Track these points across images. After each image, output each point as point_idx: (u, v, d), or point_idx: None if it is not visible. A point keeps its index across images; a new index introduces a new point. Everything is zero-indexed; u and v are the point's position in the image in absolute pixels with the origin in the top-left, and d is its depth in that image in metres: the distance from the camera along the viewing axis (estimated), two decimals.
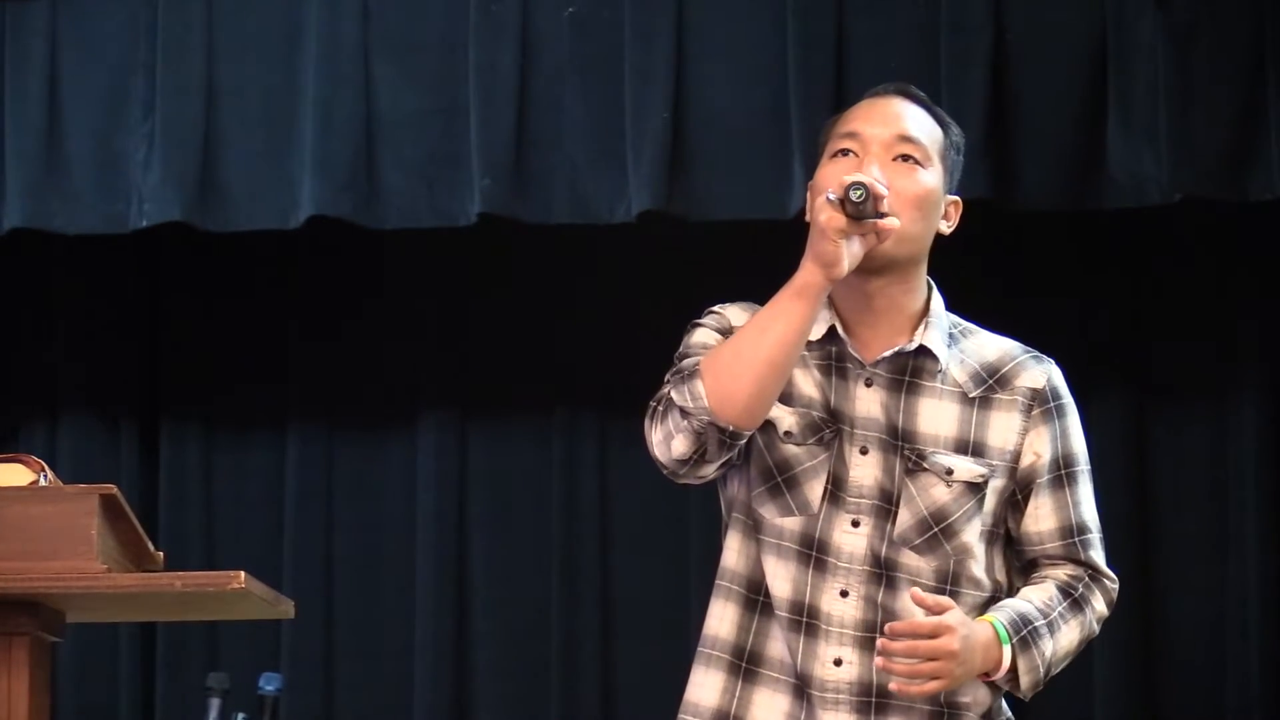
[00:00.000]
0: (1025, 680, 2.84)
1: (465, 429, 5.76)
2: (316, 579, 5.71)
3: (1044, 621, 2.85)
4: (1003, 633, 2.80)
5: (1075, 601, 2.90)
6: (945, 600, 2.77)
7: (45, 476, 3.29)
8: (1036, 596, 2.89)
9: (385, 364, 5.83)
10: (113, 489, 3.17)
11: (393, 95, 5.30)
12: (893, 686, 2.77)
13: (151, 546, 3.33)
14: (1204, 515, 5.47)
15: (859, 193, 2.72)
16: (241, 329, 5.85)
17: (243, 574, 3.10)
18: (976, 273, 5.55)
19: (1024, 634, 2.82)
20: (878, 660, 2.76)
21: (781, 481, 2.87)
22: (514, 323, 5.73)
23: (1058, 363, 2.99)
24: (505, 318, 5.73)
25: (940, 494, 2.85)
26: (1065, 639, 2.89)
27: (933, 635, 2.72)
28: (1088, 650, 5.72)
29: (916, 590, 2.77)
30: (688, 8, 5.23)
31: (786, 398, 2.86)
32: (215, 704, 4.77)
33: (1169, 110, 4.99)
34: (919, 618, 2.75)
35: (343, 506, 5.80)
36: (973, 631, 2.77)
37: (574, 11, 5.25)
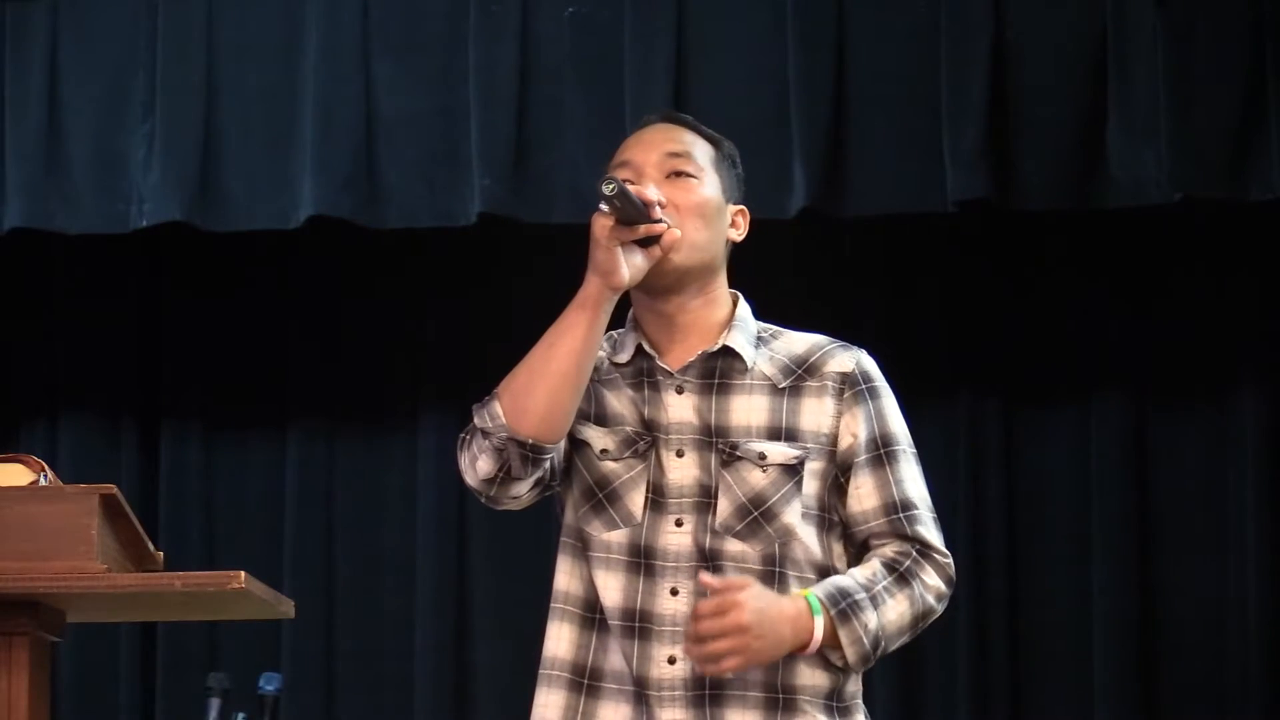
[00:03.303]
0: (850, 652, 2.84)
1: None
2: (316, 579, 5.71)
3: (865, 595, 2.85)
4: (814, 604, 2.82)
5: (901, 575, 2.89)
6: (737, 580, 2.80)
7: (45, 476, 3.28)
8: (859, 572, 2.89)
9: (385, 364, 5.82)
10: (113, 489, 3.17)
11: (393, 95, 5.30)
12: (699, 669, 2.80)
13: (151, 546, 3.32)
14: (1204, 515, 5.47)
15: (610, 186, 2.81)
16: (241, 329, 5.85)
17: (243, 574, 3.10)
18: (977, 273, 5.55)
19: (842, 606, 2.83)
20: (682, 648, 2.80)
21: (603, 497, 2.93)
22: (514, 323, 5.72)
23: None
24: (504, 318, 5.72)
25: (757, 479, 2.88)
26: (893, 612, 2.87)
27: (719, 613, 2.75)
28: (1088, 649, 5.72)
29: (705, 574, 2.81)
30: (688, 8, 5.23)
31: (601, 419, 2.94)
32: (215, 704, 4.77)
33: (1169, 110, 4.99)
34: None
35: (343, 507, 5.79)
36: (773, 604, 2.79)
37: (574, 11, 5.25)
